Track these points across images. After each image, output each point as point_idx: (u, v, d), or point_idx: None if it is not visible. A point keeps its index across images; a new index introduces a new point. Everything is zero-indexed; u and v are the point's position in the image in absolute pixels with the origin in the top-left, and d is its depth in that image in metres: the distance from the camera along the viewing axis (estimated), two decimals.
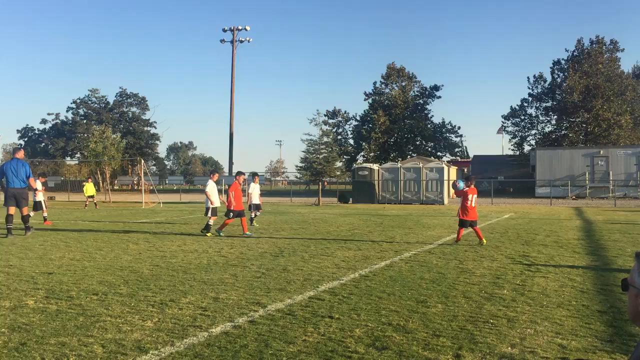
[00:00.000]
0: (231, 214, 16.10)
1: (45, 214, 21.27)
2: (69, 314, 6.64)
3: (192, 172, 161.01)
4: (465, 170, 60.58)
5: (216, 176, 17.46)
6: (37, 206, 21.36)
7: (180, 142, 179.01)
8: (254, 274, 9.38)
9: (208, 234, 15.98)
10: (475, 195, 13.73)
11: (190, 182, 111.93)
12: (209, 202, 16.42)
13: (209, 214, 16.32)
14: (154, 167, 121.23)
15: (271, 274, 9.38)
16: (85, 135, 79.79)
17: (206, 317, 6.50)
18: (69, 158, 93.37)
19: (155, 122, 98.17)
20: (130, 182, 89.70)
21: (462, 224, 13.66)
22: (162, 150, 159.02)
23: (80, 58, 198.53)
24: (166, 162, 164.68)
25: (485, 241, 13.55)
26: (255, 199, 19.76)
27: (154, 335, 5.76)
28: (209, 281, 8.75)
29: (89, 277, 9.12)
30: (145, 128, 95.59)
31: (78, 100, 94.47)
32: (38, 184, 21.84)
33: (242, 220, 16.20)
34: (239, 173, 17.32)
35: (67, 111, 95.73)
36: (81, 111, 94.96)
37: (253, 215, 19.48)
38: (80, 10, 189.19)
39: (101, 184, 42.08)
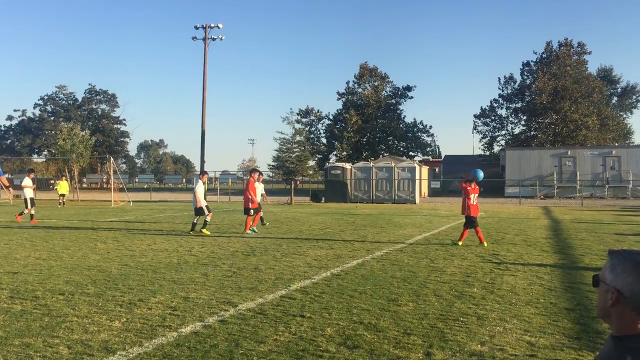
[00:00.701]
0: (251, 211, 16.45)
1: (31, 212, 20.67)
2: (34, 315, 6.48)
3: (163, 171, 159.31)
4: (437, 170, 61.20)
5: (205, 177, 17.53)
6: (28, 203, 20.86)
7: (151, 140, 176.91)
8: (225, 273, 9.30)
9: (205, 231, 15.83)
10: (476, 195, 13.61)
11: (160, 180, 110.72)
12: (197, 203, 16.27)
13: (206, 212, 16.19)
14: (124, 165, 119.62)
15: (242, 273, 9.31)
16: (53, 132, 78.30)
17: (176, 316, 6.42)
18: (35, 155, 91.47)
19: (125, 120, 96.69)
20: (99, 180, 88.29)
21: (467, 220, 13.44)
22: (132, 148, 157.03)
23: (48, 54, 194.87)
24: (136, 161, 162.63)
25: (486, 244, 13.20)
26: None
27: (121, 335, 5.66)
28: (179, 280, 8.65)
29: (55, 277, 8.93)
30: (115, 125, 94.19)
31: (45, 97, 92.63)
32: (27, 181, 21.50)
33: (248, 219, 16.45)
34: (254, 170, 17.87)
35: (34, 108, 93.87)
36: (49, 108, 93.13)
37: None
38: (48, 4, 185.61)
39: (69, 182, 41.30)
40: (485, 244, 13.15)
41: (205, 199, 16.91)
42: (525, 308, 6.91)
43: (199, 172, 17.34)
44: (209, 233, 15.81)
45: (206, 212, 16.17)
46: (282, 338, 5.57)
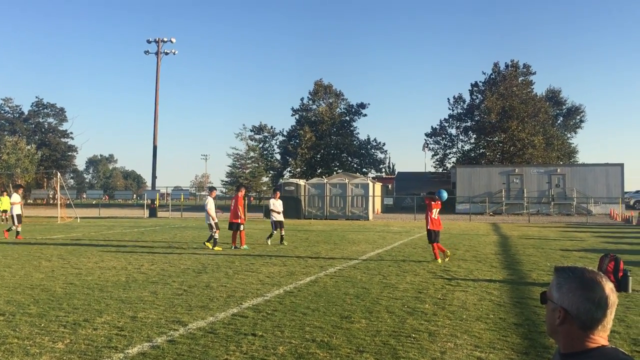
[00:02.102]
0: (241, 226, 16.58)
1: (16, 228, 20.24)
2: None
3: (113, 186, 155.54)
4: (390, 186, 61.87)
5: (214, 193, 17.68)
6: (15, 219, 20.49)
7: (101, 155, 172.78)
8: (175, 291, 9.09)
9: (217, 248, 15.99)
10: (438, 210, 14.07)
11: (111, 196, 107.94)
12: (210, 219, 16.49)
13: (214, 229, 16.37)
14: (72, 181, 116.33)
15: (193, 291, 9.12)
16: None
17: (122, 337, 6.21)
18: None
19: (72, 134, 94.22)
20: (45, 195, 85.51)
21: (429, 235, 13.78)
22: (80, 163, 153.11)
23: None
24: (85, 176, 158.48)
25: (449, 253, 13.80)
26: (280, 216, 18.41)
27: (64, 357, 5.44)
28: (127, 299, 8.40)
29: None
30: (62, 139, 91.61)
31: None
32: (16, 197, 21.12)
33: (242, 234, 16.65)
34: (242, 185, 18.35)
35: None
36: None
37: (283, 233, 18.24)
38: None
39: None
40: (440, 262, 13.31)
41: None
42: (476, 324, 7.00)
43: (208, 188, 17.78)
44: (217, 249, 15.95)
45: (214, 228, 16.33)
46: (232, 358, 5.46)
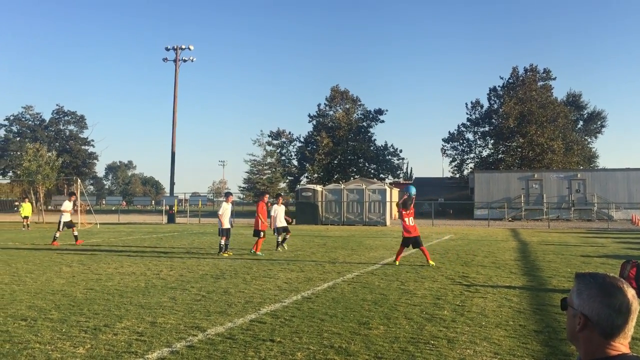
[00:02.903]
0: (261, 233, 16.67)
1: (57, 235, 20.76)
2: None
3: (132, 192, 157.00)
4: None
5: (231, 198, 17.54)
6: (64, 225, 21.04)
7: (120, 162, 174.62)
8: (194, 297, 9.15)
9: (225, 254, 16.06)
10: (411, 218, 14.28)
11: (130, 202, 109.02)
12: (221, 224, 16.53)
13: (221, 234, 16.45)
14: (92, 187, 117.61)
15: (212, 297, 9.17)
16: (19, 153, 76.71)
17: (142, 342, 6.27)
18: (0, 177, 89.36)
19: (93, 141, 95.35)
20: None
21: (405, 241, 14.07)
22: (100, 169, 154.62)
23: (15, 74, 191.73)
24: (105, 182, 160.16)
25: (433, 263, 13.80)
26: (281, 222, 18.40)
27: None
28: (146, 305, 8.47)
29: (18, 302, 8.67)
30: (83, 147, 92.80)
31: (11, 117, 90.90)
32: (67, 205, 21.49)
33: (259, 241, 16.66)
34: (264, 193, 18.62)
35: None
36: (14, 128, 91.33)
37: (280, 239, 18.27)
38: (15, 22, 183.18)
39: (34, 205, 40.39)
40: (432, 264, 13.65)
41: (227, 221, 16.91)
42: (495, 330, 6.94)
43: (224, 194, 17.83)
44: (226, 255, 16.05)
45: (221, 234, 16.37)
46: None
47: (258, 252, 16.34)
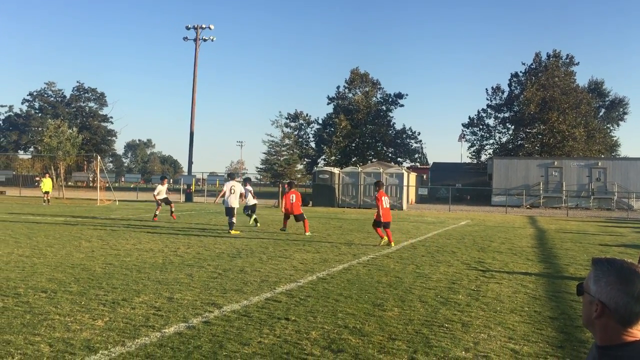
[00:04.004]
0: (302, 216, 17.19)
1: (172, 209, 22.55)
2: (15, 312, 6.40)
3: (150, 171, 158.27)
4: (425, 177, 61.36)
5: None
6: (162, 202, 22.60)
7: (139, 140, 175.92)
8: (211, 275, 9.25)
9: (233, 232, 16.59)
10: (386, 198, 14.61)
11: (148, 180, 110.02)
12: (227, 203, 16.98)
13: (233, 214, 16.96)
14: (111, 164, 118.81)
15: (228, 275, 9.26)
16: (40, 129, 77.64)
17: (159, 317, 6.36)
18: (21, 152, 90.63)
19: (112, 118, 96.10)
20: (85, 178, 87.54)
21: (376, 224, 14.49)
22: (119, 147, 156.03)
23: (38, 50, 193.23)
24: (124, 160, 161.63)
25: (393, 244, 14.21)
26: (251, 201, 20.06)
27: (104, 334, 5.60)
28: (163, 281, 8.58)
29: (38, 274, 8.84)
30: (102, 124, 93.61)
31: (34, 93, 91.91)
32: (160, 188, 22.91)
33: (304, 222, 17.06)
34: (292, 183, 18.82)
35: (21, 103, 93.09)
36: (36, 104, 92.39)
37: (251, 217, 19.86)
38: (39, 1, 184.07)
39: (55, 180, 40.86)
40: (393, 244, 14.16)
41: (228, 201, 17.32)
42: (510, 316, 6.93)
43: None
44: (235, 232, 16.54)
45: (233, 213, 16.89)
46: (266, 341, 5.54)
47: (307, 233, 16.72)
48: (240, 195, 17.81)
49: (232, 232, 16.54)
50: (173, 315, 6.46)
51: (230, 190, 17.05)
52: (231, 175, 19.64)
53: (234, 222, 16.86)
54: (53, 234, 15.09)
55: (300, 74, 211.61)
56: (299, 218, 17.06)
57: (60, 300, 7.04)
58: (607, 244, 16.72)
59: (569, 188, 44.29)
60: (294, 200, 17.04)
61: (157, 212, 22.08)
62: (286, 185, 18.51)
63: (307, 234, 16.62)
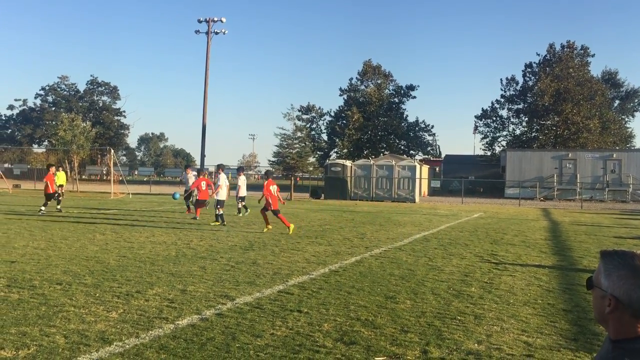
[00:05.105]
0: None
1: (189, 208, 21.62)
2: (30, 304, 6.48)
3: (163, 164, 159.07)
4: (437, 169, 61.13)
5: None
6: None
7: (152, 133, 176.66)
8: (223, 267, 9.29)
9: (215, 223, 16.89)
10: (274, 186, 15.29)
11: (161, 173, 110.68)
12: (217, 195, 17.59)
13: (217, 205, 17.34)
14: (124, 158, 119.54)
15: (240, 267, 9.30)
16: (54, 122, 78.21)
17: (173, 309, 6.41)
18: (36, 146, 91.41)
19: (125, 112, 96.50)
20: (99, 172, 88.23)
21: (265, 209, 15.17)
22: (132, 140, 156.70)
23: (51, 44, 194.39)
24: (137, 153, 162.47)
25: (292, 227, 14.74)
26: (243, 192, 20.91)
27: (118, 326, 5.65)
28: (176, 273, 8.64)
29: (53, 267, 8.93)
30: (115, 117, 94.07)
31: (47, 87, 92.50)
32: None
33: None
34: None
35: (35, 97, 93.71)
36: (50, 98, 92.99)
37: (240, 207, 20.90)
38: None
39: (69, 173, 41.18)
40: (291, 229, 14.65)
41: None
42: (523, 308, 6.90)
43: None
44: (216, 223, 16.82)
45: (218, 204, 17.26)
46: (279, 333, 5.57)
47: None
48: (211, 186, 18.71)
49: (213, 223, 16.96)
50: (186, 307, 6.50)
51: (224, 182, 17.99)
52: (221, 166, 19.94)
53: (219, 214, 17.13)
54: (67, 227, 15.23)
55: (312, 67, 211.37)
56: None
57: (75, 293, 7.11)
58: (621, 236, 16.58)
59: (583, 180, 43.90)
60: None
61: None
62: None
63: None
